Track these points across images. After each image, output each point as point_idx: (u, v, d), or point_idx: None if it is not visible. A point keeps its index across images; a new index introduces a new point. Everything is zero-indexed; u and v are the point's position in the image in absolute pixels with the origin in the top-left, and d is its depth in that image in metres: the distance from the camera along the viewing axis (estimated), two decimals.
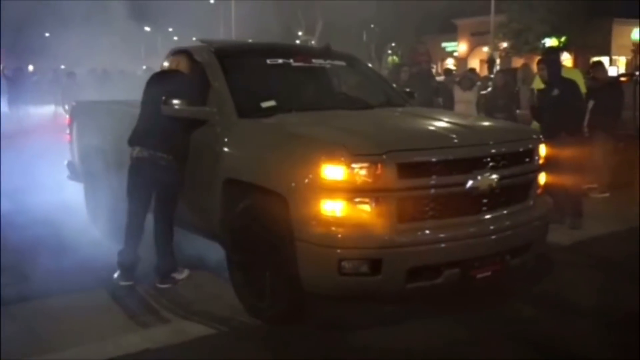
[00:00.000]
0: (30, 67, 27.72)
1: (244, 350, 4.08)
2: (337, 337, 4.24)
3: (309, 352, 4.04)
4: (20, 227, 6.36)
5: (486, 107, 9.70)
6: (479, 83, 12.62)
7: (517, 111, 10.38)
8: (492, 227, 4.28)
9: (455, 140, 4.31)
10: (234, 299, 4.56)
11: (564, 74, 7.16)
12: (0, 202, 7.20)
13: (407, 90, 6.16)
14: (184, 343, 4.13)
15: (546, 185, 4.86)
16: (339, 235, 3.92)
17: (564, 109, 6.61)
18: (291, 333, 4.25)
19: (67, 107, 7.44)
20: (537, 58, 7.86)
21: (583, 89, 7.49)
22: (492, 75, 16.11)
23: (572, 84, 6.90)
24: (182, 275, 5.10)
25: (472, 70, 15.87)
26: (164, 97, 4.83)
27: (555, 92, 6.67)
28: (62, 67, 26.82)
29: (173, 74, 5.16)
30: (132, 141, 4.99)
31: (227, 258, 4.67)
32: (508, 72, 14.24)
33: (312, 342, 4.15)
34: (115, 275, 5.06)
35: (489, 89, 11.04)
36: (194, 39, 5.73)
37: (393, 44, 43.55)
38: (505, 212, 4.38)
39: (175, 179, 4.98)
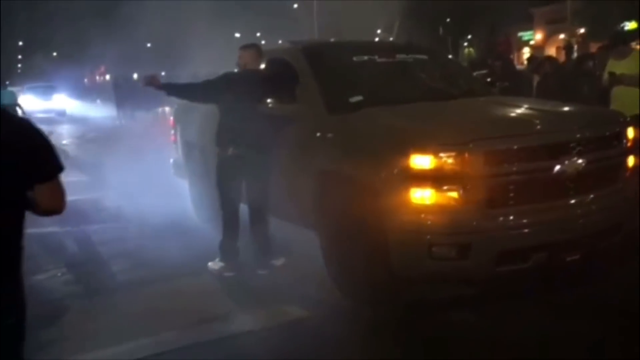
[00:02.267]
0: (135, 75, 28.89)
1: (340, 330, 4.08)
2: (430, 318, 4.18)
3: (403, 331, 4.01)
4: (137, 220, 6.63)
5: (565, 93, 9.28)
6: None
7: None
8: (579, 211, 4.12)
9: (539, 127, 4.16)
10: (328, 282, 4.58)
11: (634, 57, 6.77)
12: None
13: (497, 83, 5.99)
14: (284, 324, 4.20)
15: None
16: (429, 222, 3.88)
17: None
18: (384, 314, 4.22)
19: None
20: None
21: None
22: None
23: None
24: (279, 261, 5.16)
25: (550, 57, 15.18)
26: (255, 97, 4.90)
27: None
28: (163, 73, 27.79)
29: (262, 74, 5.21)
30: (223, 141, 5.04)
31: (322, 245, 4.69)
32: (587, 56, 13.59)
33: (406, 323, 4.12)
34: (211, 264, 5.15)
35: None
36: (280, 41, 5.77)
37: (469, 37, 42.50)
38: (592, 195, 4.19)
39: (264, 172, 5.03)
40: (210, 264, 5.15)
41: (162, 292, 4.78)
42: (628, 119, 4.64)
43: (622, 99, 6.70)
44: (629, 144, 4.48)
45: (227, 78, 5.11)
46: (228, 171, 5.05)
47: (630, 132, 4.51)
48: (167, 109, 20.17)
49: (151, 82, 5.24)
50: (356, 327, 4.09)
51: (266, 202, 5.13)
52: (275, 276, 4.99)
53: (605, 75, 6.99)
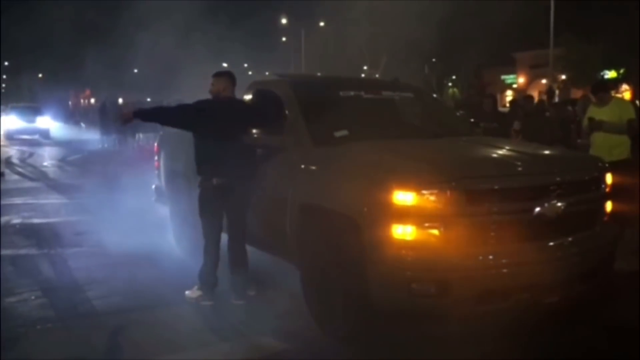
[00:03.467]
0: (120, 100, 28.87)
1: None
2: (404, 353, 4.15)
3: None
4: (116, 246, 6.56)
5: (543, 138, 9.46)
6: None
7: (579, 140, 10.08)
8: (559, 253, 4.14)
9: (521, 168, 4.21)
10: (306, 316, 4.55)
11: (614, 104, 6.94)
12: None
13: (472, 120, 6.08)
14: (260, 357, 4.15)
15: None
16: (409, 258, 3.88)
17: None
18: (362, 350, 4.19)
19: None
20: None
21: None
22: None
23: None
24: (254, 292, 5.12)
25: (529, 97, 15.38)
26: (243, 127, 4.92)
27: None
28: (148, 99, 27.82)
29: (248, 105, 5.24)
30: (206, 171, 5.03)
31: (301, 277, 4.67)
32: (564, 104, 13.88)
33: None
34: (188, 292, 5.10)
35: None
36: (267, 73, 5.82)
37: (454, 77, 43.19)
38: (571, 238, 4.23)
39: (246, 202, 5.04)
40: (187, 292, 5.09)
41: (137, 321, 4.70)
42: (607, 164, 4.72)
43: (600, 144, 6.85)
44: (606, 189, 4.55)
45: (202, 104, 5.11)
46: (211, 200, 5.03)
47: (609, 178, 4.59)
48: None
49: (123, 117, 5.28)
50: None
51: (246, 232, 5.11)
52: (252, 307, 4.95)
53: (585, 121, 7.14)
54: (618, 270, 5.58)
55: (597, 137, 6.92)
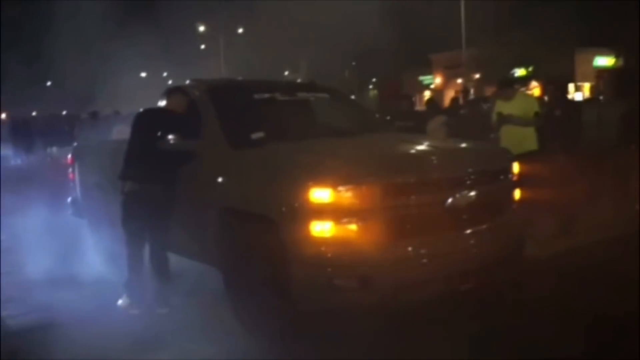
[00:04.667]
0: (34, 113, 27.78)
1: None
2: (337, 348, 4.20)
3: None
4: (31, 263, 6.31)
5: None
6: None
7: (492, 135, 10.49)
8: (472, 242, 4.31)
9: (435, 162, 4.36)
10: (232, 319, 4.53)
11: (519, 99, 7.31)
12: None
13: (387, 117, 6.23)
14: None
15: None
16: (329, 254, 3.94)
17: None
18: (290, 349, 4.21)
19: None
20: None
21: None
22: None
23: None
24: (179, 299, 5.05)
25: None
26: (159, 133, 4.87)
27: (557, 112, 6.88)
28: (64, 112, 26.90)
29: (166, 111, 5.19)
30: (124, 176, 5.00)
31: (224, 280, 4.65)
32: (477, 101, 14.40)
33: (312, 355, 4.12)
34: (120, 302, 5.01)
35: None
36: (187, 81, 5.78)
37: (374, 79, 43.96)
38: (483, 227, 4.41)
39: (166, 208, 4.98)
40: (119, 302, 5.01)
41: (58, 336, 4.52)
42: (514, 155, 4.94)
43: (508, 137, 7.17)
44: (514, 179, 4.77)
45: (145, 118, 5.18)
46: (131, 207, 4.95)
47: (516, 167, 4.81)
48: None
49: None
50: None
51: (166, 238, 5.04)
52: (178, 314, 4.87)
53: (494, 116, 7.45)
54: (530, 255, 5.89)
55: (506, 131, 7.24)
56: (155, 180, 4.89)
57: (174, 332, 4.56)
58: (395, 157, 4.55)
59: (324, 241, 3.94)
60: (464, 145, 5.04)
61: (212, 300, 4.95)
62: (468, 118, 10.24)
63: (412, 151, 4.63)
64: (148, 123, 5.09)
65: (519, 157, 6.05)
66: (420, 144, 4.77)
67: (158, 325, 4.72)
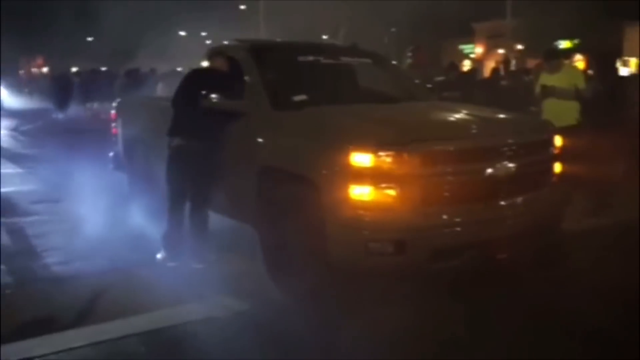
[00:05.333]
0: (74, 69, 28.17)
1: (278, 324, 4.14)
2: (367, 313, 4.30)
3: (340, 327, 4.11)
4: (74, 213, 6.52)
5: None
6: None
7: (532, 108, 10.35)
8: (509, 212, 4.33)
9: (474, 131, 4.37)
10: (265, 277, 4.66)
11: (565, 72, 7.18)
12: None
13: (429, 86, 6.21)
14: (222, 317, 4.23)
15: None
16: (367, 219, 4.00)
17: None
18: (320, 310, 4.32)
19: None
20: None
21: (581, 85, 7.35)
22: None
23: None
24: (215, 256, 5.19)
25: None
26: (203, 92, 4.96)
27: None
28: (103, 68, 27.21)
29: (211, 71, 5.27)
30: (172, 132, 5.11)
31: (261, 239, 4.76)
32: (519, 72, 14.12)
33: (343, 318, 4.23)
34: (159, 255, 5.18)
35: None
36: (225, 42, 5.81)
37: (412, 47, 43.33)
38: (521, 198, 4.41)
39: (210, 166, 5.09)
40: (158, 255, 5.18)
41: (97, 284, 4.73)
42: (556, 128, 4.91)
43: (551, 110, 7.07)
44: (555, 152, 4.75)
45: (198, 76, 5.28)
46: (177, 163, 5.08)
47: (558, 140, 4.78)
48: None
49: None
50: (294, 322, 4.14)
51: (208, 195, 5.16)
52: (213, 270, 5.01)
53: (538, 88, 7.35)
54: (568, 230, 5.87)
55: (548, 103, 7.15)
56: (201, 137, 4.99)
57: (209, 287, 4.69)
58: (437, 124, 4.57)
59: (362, 205, 4.00)
60: (505, 115, 5.01)
61: (248, 258, 5.07)
62: (509, 89, 10.09)
63: (453, 119, 4.63)
64: (197, 82, 5.18)
65: (560, 131, 6.02)
66: (462, 112, 4.76)
67: (194, 280, 4.86)
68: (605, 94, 7.90)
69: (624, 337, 3.91)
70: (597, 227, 6.42)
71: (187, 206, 5.20)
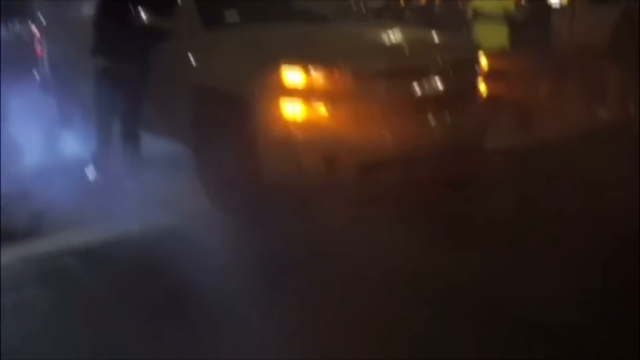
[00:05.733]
0: None
1: (212, 238, 4.19)
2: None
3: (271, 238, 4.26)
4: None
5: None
6: None
7: (464, 30, 10.53)
8: (436, 129, 4.51)
9: (403, 50, 4.49)
10: (201, 195, 4.74)
11: None
12: None
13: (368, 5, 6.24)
14: (155, 232, 4.33)
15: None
16: (297, 135, 4.11)
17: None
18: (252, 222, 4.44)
19: None
20: None
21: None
22: None
23: None
24: (149, 175, 5.17)
25: None
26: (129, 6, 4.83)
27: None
28: None
29: None
30: (96, 52, 5.00)
31: (194, 157, 4.80)
32: None
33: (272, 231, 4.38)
34: (89, 174, 5.17)
35: None
36: None
37: None
38: (447, 115, 4.59)
39: (141, 86, 5.03)
40: (88, 174, 5.17)
41: (32, 204, 4.71)
42: (483, 48, 5.08)
43: (484, 34, 7.29)
44: (482, 70, 4.93)
45: None
46: (104, 88, 5.00)
47: (484, 61, 4.95)
48: None
49: None
50: (229, 235, 4.26)
51: (138, 119, 5.14)
52: (149, 188, 5.05)
53: (470, 11, 7.52)
54: (493, 147, 6.15)
55: (480, 27, 7.35)
56: (128, 58, 4.89)
57: (143, 205, 4.74)
58: (366, 42, 4.65)
59: (293, 122, 4.10)
60: (433, 34, 5.14)
61: (182, 178, 5.13)
62: (443, 12, 10.21)
63: (383, 38, 4.72)
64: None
65: (489, 52, 6.24)
66: (392, 32, 4.85)
67: (127, 198, 4.90)
68: (534, 21, 8.11)
69: (532, 244, 4.21)
70: (518, 145, 6.73)
71: (118, 127, 5.17)
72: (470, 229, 4.43)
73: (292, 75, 4.05)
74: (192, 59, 4.73)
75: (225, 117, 4.45)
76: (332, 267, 3.79)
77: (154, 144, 5.52)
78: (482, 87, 5.01)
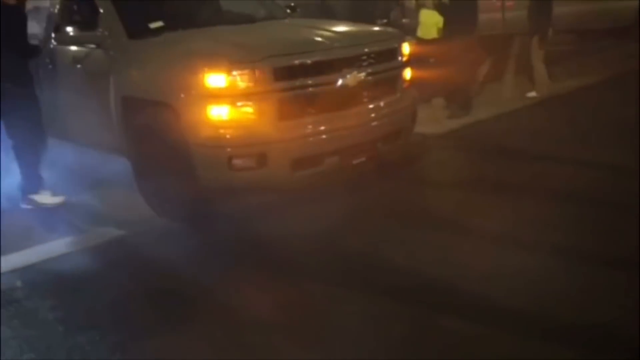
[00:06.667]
0: None
1: (157, 245, 4.36)
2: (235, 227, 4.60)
3: (210, 240, 4.39)
4: None
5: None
6: None
7: (404, 20, 10.72)
8: (363, 119, 4.67)
9: (325, 44, 4.61)
10: (142, 205, 4.79)
11: None
12: None
13: (291, 5, 6.34)
14: (101, 244, 4.40)
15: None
16: (227, 136, 4.21)
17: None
18: (197, 227, 4.56)
19: None
20: None
21: None
22: None
23: None
24: (45, 199, 5.07)
25: None
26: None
27: None
28: None
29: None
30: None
31: (133, 168, 4.87)
32: None
33: (215, 232, 4.50)
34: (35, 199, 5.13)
35: None
36: None
37: None
38: (374, 105, 4.76)
39: (18, 104, 4.89)
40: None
41: None
42: (403, 36, 5.26)
43: (425, 21, 7.54)
44: (404, 59, 5.10)
45: None
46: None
47: (406, 48, 5.12)
48: None
49: None
50: (174, 242, 4.40)
51: (26, 134, 4.98)
52: (94, 203, 5.11)
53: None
54: (428, 133, 6.39)
55: (423, 14, 7.59)
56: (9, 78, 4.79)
57: (87, 220, 4.82)
58: (287, 41, 4.75)
59: (221, 124, 4.20)
60: (355, 28, 5.28)
61: (122, 189, 5.16)
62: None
63: (304, 35, 4.84)
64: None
65: (425, 41, 6.51)
66: (314, 28, 4.97)
67: (72, 213, 4.95)
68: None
69: (467, 220, 4.42)
70: (456, 128, 6.98)
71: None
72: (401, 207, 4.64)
73: (215, 78, 4.14)
74: (118, 70, 4.78)
75: (156, 126, 4.52)
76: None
77: (88, 156, 5.55)
78: (406, 74, 5.17)
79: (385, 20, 10.07)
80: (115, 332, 3.27)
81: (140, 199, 4.82)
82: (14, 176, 5.24)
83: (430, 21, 7.57)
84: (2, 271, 4.01)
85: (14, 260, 4.18)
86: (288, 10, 6.03)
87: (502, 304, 3.25)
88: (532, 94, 8.12)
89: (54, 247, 4.38)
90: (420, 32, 7.66)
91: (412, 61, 5.24)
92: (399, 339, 3.04)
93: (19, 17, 4.91)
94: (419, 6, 7.79)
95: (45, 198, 5.06)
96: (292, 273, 3.79)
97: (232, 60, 4.16)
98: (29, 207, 5.03)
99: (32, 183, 5.06)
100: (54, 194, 5.10)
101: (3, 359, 3.06)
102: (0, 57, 4.76)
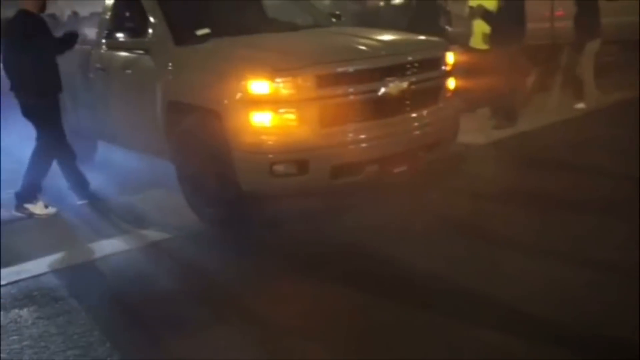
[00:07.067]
0: None
1: (199, 250, 4.44)
2: (275, 233, 4.64)
3: (250, 247, 4.44)
4: None
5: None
6: None
7: (450, 28, 10.63)
8: (404, 127, 4.66)
9: (368, 52, 4.62)
10: (186, 210, 4.88)
11: None
12: None
13: (337, 12, 6.39)
14: (143, 246, 4.50)
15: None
16: (270, 142, 4.25)
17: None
18: (237, 233, 4.62)
19: None
20: None
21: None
22: None
23: None
24: (38, 210, 5.22)
25: None
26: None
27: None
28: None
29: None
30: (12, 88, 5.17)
31: (177, 172, 4.97)
32: None
33: (254, 239, 4.55)
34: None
35: None
36: None
37: None
38: (416, 114, 4.74)
39: (45, 117, 5.18)
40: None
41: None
42: (448, 46, 5.22)
43: (477, 30, 7.48)
44: (448, 69, 5.06)
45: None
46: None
47: (450, 57, 5.09)
48: None
49: None
50: (215, 246, 4.48)
51: (47, 147, 5.27)
52: (137, 207, 5.22)
53: (467, 9, 7.69)
54: (470, 142, 6.33)
55: (476, 23, 7.51)
56: (29, 92, 5.07)
57: (132, 221, 4.95)
58: (331, 48, 4.79)
59: (264, 130, 4.24)
60: (398, 36, 5.28)
61: (168, 193, 5.28)
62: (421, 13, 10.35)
63: (348, 42, 4.86)
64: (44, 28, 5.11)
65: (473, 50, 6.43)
66: (358, 36, 4.99)
67: (118, 216, 5.08)
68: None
69: (511, 233, 4.35)
70: (503, 139, 6.88)
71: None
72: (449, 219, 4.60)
73: (258, 85, 4.20)
74: (165, 75, 4.90)
75: (201, 131, 4.60)
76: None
77: (135, 160, 5.69)
78: (450, 84, 5.14)
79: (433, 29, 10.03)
80: (157, 330, 3.34)
81: (184, 202, 4.91)
82: (61, 178, 5.43)
83: (478, 30, 7.52)
84: (51, 270, 4.14)
85: (59, 259, 4.33)
86: (333, 19, 6.06)
87: (550, 320, 3.19)
88: (580, 105, 7.97)
89: (98, 247, 4.51)
90: (472, 42, 7.62)
91: (459, 70, 5.20)
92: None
93: (40, 25, 5.08)
94: (473, 15, 7.68)
95: (38, 208, 5.23)
96: (331, 279, 3.80)
97: (275, 67, 4.21)
98: (22, 215, 5.19)
99: (30, 193, 5.25)
100: (47, 205, 5.27)
101: (49, 353, 3.16)
102: (32, 73, 4.99)
